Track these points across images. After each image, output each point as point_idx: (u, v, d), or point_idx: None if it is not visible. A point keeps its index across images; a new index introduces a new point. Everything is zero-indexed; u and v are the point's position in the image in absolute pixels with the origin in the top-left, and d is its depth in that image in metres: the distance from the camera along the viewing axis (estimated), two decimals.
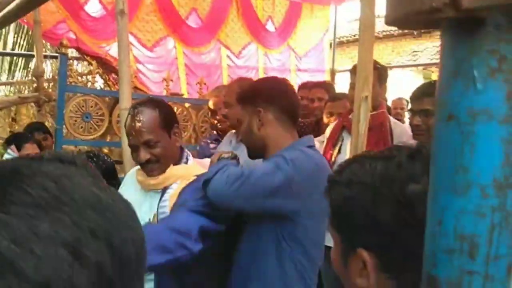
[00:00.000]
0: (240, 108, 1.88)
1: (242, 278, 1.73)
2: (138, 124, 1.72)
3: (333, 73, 6.20)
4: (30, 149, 2.78)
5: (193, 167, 1.82)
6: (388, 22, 0.43)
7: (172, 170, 1.76)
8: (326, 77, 6.19)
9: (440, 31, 0.42)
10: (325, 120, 3.22)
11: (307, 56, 6.33)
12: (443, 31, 0.41)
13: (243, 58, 5.90)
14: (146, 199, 1.79)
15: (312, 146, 1.82)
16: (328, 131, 2.97)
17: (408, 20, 0.41)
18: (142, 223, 1.75)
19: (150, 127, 1.74)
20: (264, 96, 1.78)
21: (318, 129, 3.34)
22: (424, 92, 2.14)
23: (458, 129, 0.39)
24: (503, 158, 0.38)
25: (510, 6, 0.36)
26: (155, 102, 1.83)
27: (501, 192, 0.39)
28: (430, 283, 0.42)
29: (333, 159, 2.80)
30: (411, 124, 2.34)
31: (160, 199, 1.76)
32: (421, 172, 0.71)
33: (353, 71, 2.87)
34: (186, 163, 1.83)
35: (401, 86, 7.16)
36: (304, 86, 4.01)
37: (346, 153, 2.72)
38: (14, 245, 0.34)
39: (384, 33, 9.93)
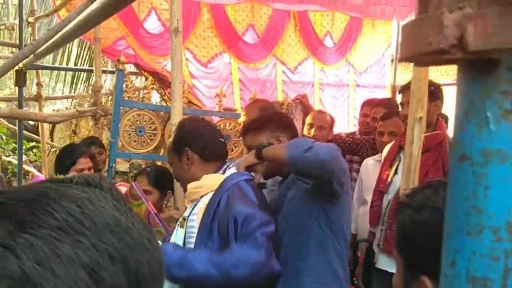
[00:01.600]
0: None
1: (291, 276, 1.84)
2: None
3: (394, 89, 6.01)
4: (84, 163, 2.83)
5: (222, 176, 1.83)
6: (401, 60, 0.43)
7: (204, 179, 1.82)
8: (386, 93, 6.02)
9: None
10: (377, 138, 3.14)
11: (367, 72, 6.20)
12: (458, 70, 0.41)
13: (299, 74, 5.86)
14: (189, 206, 1.88)
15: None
16: (385, 150, 2.88)
17: (420, 60, 0.42)
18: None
19: (168, 150, 1.95)
20: None
21: (375, 147, 3.27)
22: None
23: (471, 170, 0.39)
24: None
25: None
26: (181, 125, 1.96)
27: None
28: None
29: (389, 179, 2.72)
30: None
31: (191, 212, 1.79)
32: None
33: (401, 91, 2.79)
34: (224, 173, 1.86)
35: None
36: (368, 103, 3.94)
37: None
38: (38, 265, 0.36)
39: None
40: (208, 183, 1.79)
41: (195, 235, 1.75)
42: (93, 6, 2.18)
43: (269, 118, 2.16)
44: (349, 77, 6.16)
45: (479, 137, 0.38)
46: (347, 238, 1.99)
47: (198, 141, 1.87)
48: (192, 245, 1.74)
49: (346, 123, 6.07)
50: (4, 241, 0.36)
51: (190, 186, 1.82)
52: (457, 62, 0.40)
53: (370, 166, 3.13)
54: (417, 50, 0.39)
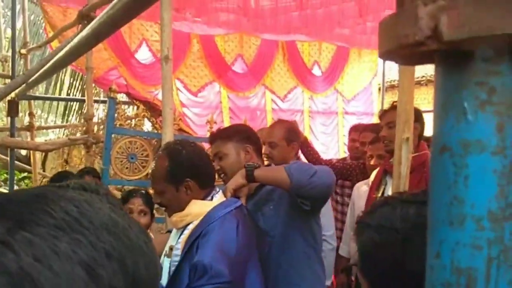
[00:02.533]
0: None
1: (283, 284, 1.90)
2: (149, 171, 1.75)
3: None
4: None
5: (209, 204, 1.77)
6: (380, 56, 0.43)
7: (190, 207, 1.74)
8: (375, 120, 6.13)
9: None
10: (367, 162, 3.19)
11: (355, 100, 6.33)
12: (435, 64, 0.41)
13: (288, 102, 5.96)
14: (175, 234, 1.82)
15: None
16: (373, 175, 2.94)
17: (398, 54, 0.41)
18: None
19: (156, 177, 1.74)
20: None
21: (366, 171, 3.30)
22: None
23: (451, 161, 0.39)
24: (497, 190, 0.38)
25: (495, 38, 0.36)
26: (174, 151, 1.79)
27: (497, 224, 0.37)
28: None
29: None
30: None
31: (177, 240, 1.76)
32: None
33: (381, 115, 2.83)
34: (211, 199, 1.80)
35: None
36: (355, 128, 3.99)
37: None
38: (36, 261, 0.36)
39: (429, 78, 9.79)
40: (194, 212, 1.73)
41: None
42: (83, 33, 2.24)
43: (238, 129, 2.18)
44: (338, 105, 6.28)
45: (457, 128, 0.38)
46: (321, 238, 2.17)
47: (197, 169, 1.78)
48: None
49: (336, 150, 6.16)
50: (3, 238, 0.37)
51: (177, 214, 1.76)
52: (434, 55, 0.40)
53: (362, 190, 3.15)
54: (395, 44, 0.39)
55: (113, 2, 1.65)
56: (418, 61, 0.44)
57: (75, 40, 2.25)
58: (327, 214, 2.64)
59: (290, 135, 2.82)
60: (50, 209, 0.41)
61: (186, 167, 1.74)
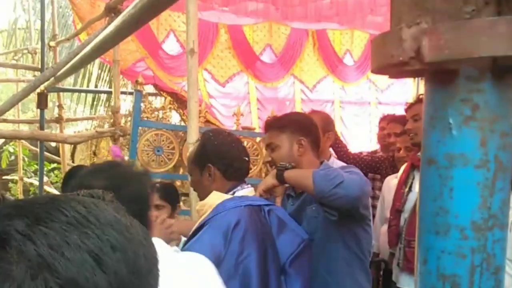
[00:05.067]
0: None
1: None
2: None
3: None
4: None
5: (227, 197, 1.75)
6: (373, 71, 0.46)
7: (209, 198, 1.77)
8: None
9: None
10: (396, 154, 3.14)
11: (389, 89, 6.16)
12: (424, 81, 0.44)
13: (317, 92, 5.83)
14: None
15: None
16: (401, 170, 2.88)
17: (387, 71, 0.45)
18: None
19: (188, 159, 1.86)
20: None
21: (395, 164, 3.22)
22: None
23: (437, 173, 0.41)
24: (480, 201, 0.40)
25: (475, 59, 0.37)
26: (206, 137, 1.84)
27: (480, 234, 0.39)
28: None
29: (404, 197, 2.69)
30: None
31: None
32: None
33: (407, 108, 2.77)
34: (233, 193, 1.77)
35: None
36: (384, 118, 3.91)
37: (417, 191, 2.58)
38: (51, 249, 0.44)
39: None
40: (210, 202, 1.73)
41: None
42: (110, 27, 2.20)
43: (294, 119, 2.08)
44: (371, 95, 6.12)
45: (443, 142, 0.40)
46: (370, 252, 2.05)
47: (223, 158, 1.78)
48: None
49: (369, 140, 6.00)
50: (23, 231, 0.45)
51: (199, 203, 1.81)
52: (422, 73, 0.43)
53: (392, 184, 3.09)
54: (383, 63, 0.42)
55: None
56: (409, 76, 0.48)
57: (104, 33, 2.21)
58: None
59: (326, 125, 2.78)
60: (62, 209, 0.48)
61: (210, 152, 1.78)
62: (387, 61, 0.41)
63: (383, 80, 6.07)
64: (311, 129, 2.04)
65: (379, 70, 0.44)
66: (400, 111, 5.61)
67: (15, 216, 0.46)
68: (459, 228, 0.40)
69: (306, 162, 1.96)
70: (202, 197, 1.82)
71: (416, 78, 6.21)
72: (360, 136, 6.04)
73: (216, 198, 1.74)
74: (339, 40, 5.91)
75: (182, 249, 1.63)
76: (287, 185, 1.98)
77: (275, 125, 2.04)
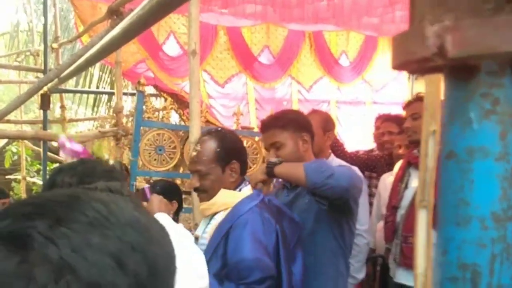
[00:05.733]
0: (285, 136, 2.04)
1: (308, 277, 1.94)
2: (193, 153, 1.77)
3: None
4: None
5: (239, 194, 1.81)
6: (393, 68, 0.48)
7: (218, 196, 1.78)
8: None
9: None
10: (394, 152, 3.20)
11: (384, 89, 6.23)
12: (444, 76, 0.45)
13: (314, 92, 5.92)
14: (203, 223, 1.85)
15: None
16: (396, 167, 2.94)
17: (408, 67, 0.46)
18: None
19: (203, 159, 1.79)
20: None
21: (392, 162, 3.30)
22: None
23: (457, 166, 0.42)
24: (500, 193, 0.41)
25: (497, 54, 0.40)
26: (221, 135, 1.85)
27: (500, 224, 0.41)
28: None
29: (400, 194, 2.76)
30: None
31: (204, 230, 1.79)
32: None
33: (405, 106, 2.82)
34: (240, 190, 1.84)
35: None
36: (379, 117, 3.99)
37: (414, 187, 2.66)
38: (73, 252, 0.44)
39: None
40: (220, 201, 1.76)
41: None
42: (114, 31, 2.28)
43: (293, 117, 2.15)
44: (366, 95, 6.20)
45: (463, 136, 0.42)
46: (351, 244, 2.19)
47: (242, 154, 1.87)
48: None
49: (364, 140, 6.09)
50: (45, 234, 0.44)
51: (205, 202, 1.81)
52: (442, 69, 0.44)
53: (388, 182, 3.16)
54: (405, 59, 0.43)
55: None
56: (428, 73, 0.49)
57: (108, 36, 2.29)
58: (363, 208, 2.64)
59: (326, 124, 2.84)
60: (84, 209, 0.48)
61: (233, 148, 1.84)
62: (409, 57, 0.42)
63: (377, 80, 6.17)
64: (309, 125, 2.15)
65: (400, 66, 0.45)
66: (395, 110, 5.72)
67: (35, 216, 0.46)
68: (480, 219, 0.41)
69: (308, 157, 2.06)
70: (213, 195, 1.80)
71: (411, 78, 6.30)
72: (356, 135, 6.12)
73: (227, 196, 1.78)
74: (335, 41, 6.00)
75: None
76: (275, 179, 2.07)
77: (275, 124, 2.09)
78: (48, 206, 0.48)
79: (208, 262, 1.68)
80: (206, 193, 1.81)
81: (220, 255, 1.68)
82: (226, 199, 1.78)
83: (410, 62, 0.43)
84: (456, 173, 0.42)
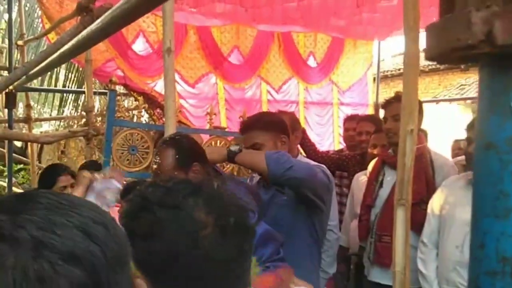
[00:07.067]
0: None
1: None
2: (154, 167, 1.79)
3: (377, 107, 6.18)
4: (65, 180, 2.92)
5: None
6: (428, 58, 0.46)
7: None
8: (369, 111, 6.18)
9: (478, 66, 0.45)
10: (369, 151, 3.25)
11: (350, 90, 6.35)
12: (480, 66, 0.44)
13: (283, 93, 5.97)
14: None
15: None
16: (370, 166, 3.00)
17: (446, 57, 0.44)
18: None
19: (165, 169, 1.80)
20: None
21: (363, 162, 3.36)
22: None
23: (497, 158, 0.41)
24: None
25: None
26: (176, 141, 1.88)
27: None
28: None
29: (375, 193, 2.82)
30: (466, 152, 2.44)
31: None
32: None
33: (384, 106, 2.89)
34: None
35: (449, 119, 7.00)
36: (352, 118, 4.06)
37: (389, 187, 2.72)
38: (41, 230, 0.47)
39: (430, 67, 9.85)
40: None
41: None
42: (92, 27, 2.24)
43: (273, 119, 2.28)
44: (333, 96, 6.30)
45: (503, 128, 0.40)
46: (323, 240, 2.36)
47: (201, 155, 1.90)
48: None
49: (331, 140, 6.20)
50: (9, 220, 0.47)
51: None
52: (482, 57, 0.42)
53: (361, 181, 3.22)
54: (446, 48, 0.42)
55: None
56: (469, 61, 0.47)
57: (83, 33, 2.25)
58: (331, 205, 2.71)
59: (293, 124, 2.91)
60: (37, 200, 0.51)
61: (192, 151, 1.88)
62: (452, 45, 0.41)
63: (344, 81, 6.28)
64: (286, 127, 2.26)
65: (438, 56, 0.44)
66: (361, 111, 5.86)
67: None
68: None
69: None
70: None
71: (376, 80, 6.46)
72: (323, 135, 6.22)
73: None
74: (303, 42, 6.07)
75: None
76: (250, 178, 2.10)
77: (257, 125, 2.18)
78: (5, 203, 0.51)
79: None
80: None
81: None
82: None
83: (452, 50, 0.41)
84: (495, 165, 0.41)
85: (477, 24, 0.39)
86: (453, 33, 0.41)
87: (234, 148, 2.00)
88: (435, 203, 2.48)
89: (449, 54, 0.42)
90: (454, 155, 4.55)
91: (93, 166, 3.69)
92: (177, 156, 1.82)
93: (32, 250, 0.44)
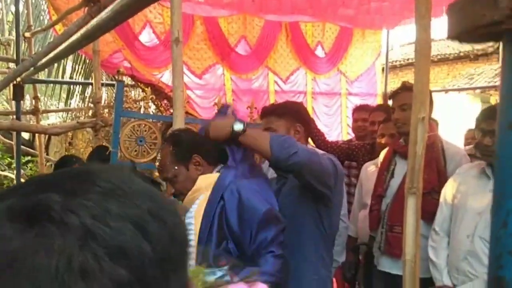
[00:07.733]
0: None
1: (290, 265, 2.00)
2: (157, 164, 1.86)
3: (385, 97, 6.14)
4: None
5: (216, 175, 1.89)
6: (450, 37, 0.45)
7: (197, 184, 1.87)
8: (378, 101, 6.14)
9: (501, 45, 0.43)
10: (378, 141, 3.23)
11: (359, 81, 6.30)
12: (505, 43, 0.43)
13: (291, 83, 5.94)
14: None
15: None
16: (381, 156, 2.97)
17: (470, 35, 0.43)
18: None
19: (165, 166, 1.89)
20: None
21: (373, 151, 3.34)
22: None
23: None
24: None
25: None
26: (173, 137, 1.94)
27: None
28: (497, 284, 0.42)
29: (386, 183, 2.79)
30: (479, 143, 2.31)
31: (186, 214, 1.84)
32: None
33: (392, 96, 2.87)
34: (219, 171, 1.92)
35: (457, 109, 6.94)
36: (361, 108, 4.02)
37: (400, 177, 2.70)
38: (94, 219, 0.43)
39: (439, 57, 9.76)
40: (203, 185, 1.85)
41: (192, 232, 1.81)
42: (99, 17, 2.24)
43: (292, 107, 2.30)
44: (341, 86, 6.26)
45: None
46: (334, 232, 2.29)
47: (199, 145, 1.93)
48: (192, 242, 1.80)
49: (339, 131, 6.17)
50: (64, 204, 0.43)
51: (188, 195, 1.88)
52: (505, 35, 0.41)
53: (370, 171, 3.19)
54: (470, 25, 0.41)
55: None
56: (484, 40, 0.45)
57: (91, 24, 2.24)
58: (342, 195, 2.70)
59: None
60: (95, 180, 0.47)
61: (188, 144, 1.91)
62: (477, 22, 0.39)
63: (352, 71, 6.24)
64: (307, 118, 2.26)
65: (461, 34, 0.43)
66: (369, 101, 5.82)
67: (47, 190, 0.45)
68: None
69: None
70: (188, 191, 1.90)
71: (385, 70, 6.41)
72: (331, 126, 6.19)
73: (207, 178, 1.87)
74: (311, 32, 6.02)
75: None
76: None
77: (274, 111, 2.22)
78: (59, 182, 0.48)
79: (207, 236, 1.76)
80: (183, 195, 1.91)
81: (215, 231, 1.78)
82: (207, 181, 1.86)
83: (477, 27, 0.40)
84: None
85: (503, 0, 0.38)
86: (478, 9, 0.40)
87: (237, 127, 1.94)
88: (448, 191, 2.46)
89: (472, 32, 0.41)
90: (467, 144, 4.49)
91: (100, 154, 3.69)
92: (174, 151, 1.89)
93: (80, 240, 0.42)
